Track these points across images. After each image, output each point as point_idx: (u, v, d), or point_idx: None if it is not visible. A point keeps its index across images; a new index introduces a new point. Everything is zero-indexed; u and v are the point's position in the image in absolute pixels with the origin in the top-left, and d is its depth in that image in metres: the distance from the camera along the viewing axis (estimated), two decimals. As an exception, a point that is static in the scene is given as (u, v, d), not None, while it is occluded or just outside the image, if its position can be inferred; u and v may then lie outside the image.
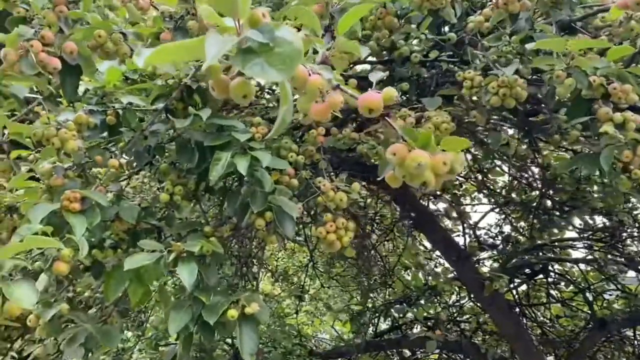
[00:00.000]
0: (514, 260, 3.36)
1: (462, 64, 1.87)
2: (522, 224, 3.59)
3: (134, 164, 1.74)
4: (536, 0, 1.51)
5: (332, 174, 2.37)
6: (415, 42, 1.86)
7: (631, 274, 3.39)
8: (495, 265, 3.93)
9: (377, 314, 4.14)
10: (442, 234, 3.23)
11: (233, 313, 1.40)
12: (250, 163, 1.47)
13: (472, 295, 3.62)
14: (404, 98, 2.07)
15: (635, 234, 3.10)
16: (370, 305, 4.31)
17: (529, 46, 1.41)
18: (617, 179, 1.53)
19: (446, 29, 2.13)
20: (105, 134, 1.60)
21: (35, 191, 1.52)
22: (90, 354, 1.67)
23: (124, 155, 1.61)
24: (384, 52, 1.91)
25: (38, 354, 1.72)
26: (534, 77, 1.77)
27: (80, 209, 1.36)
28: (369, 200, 3.75)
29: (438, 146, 0.73)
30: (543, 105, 2.04)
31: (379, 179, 0.78)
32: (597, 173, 1.55)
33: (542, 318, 3.83)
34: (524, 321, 3.64)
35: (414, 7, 1.62)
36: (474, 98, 1.69)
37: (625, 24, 1.60)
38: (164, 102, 1.59)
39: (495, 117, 2.01)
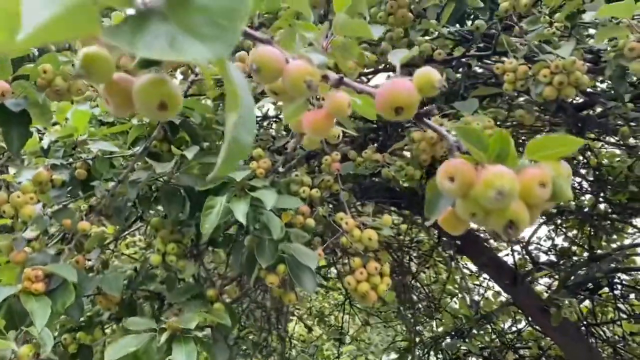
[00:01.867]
0: (572, 277, 2.97)
1: (496, 56, 1.56)
2: (576, 232, 3.21)
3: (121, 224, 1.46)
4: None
5: (357, 204, 2.06)
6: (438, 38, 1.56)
7: None
8: (550, 281, 3.54)
9: (426, 349, 3.76)
10: (489, 255, 2.87)
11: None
12: (251, 207, 1.18)
13: (529, 319, 3.23)
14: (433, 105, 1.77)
15: None
16: (417, 340, 3.93)
17: (588, 16, 1.10)
18: None
19: (468, 23, 1.84)
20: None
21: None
22: None
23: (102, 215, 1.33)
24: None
25: None
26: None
27: (45, 289, 1.08)
28: (402, 226, 3.41)
29: (521, 155, 0.43)
30: (596, 94, 1.71)
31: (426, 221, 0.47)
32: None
33: (613, 336, 3.39)
34: (593, 342, 3.22)
35: (432, -8, 1.33)
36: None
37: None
38: (143, 145, 1.32)
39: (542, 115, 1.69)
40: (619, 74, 1.20)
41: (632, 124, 1.44)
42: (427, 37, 1.58)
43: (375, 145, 1.85)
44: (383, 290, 1.22)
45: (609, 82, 1.32)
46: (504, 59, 1.40)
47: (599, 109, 1.78)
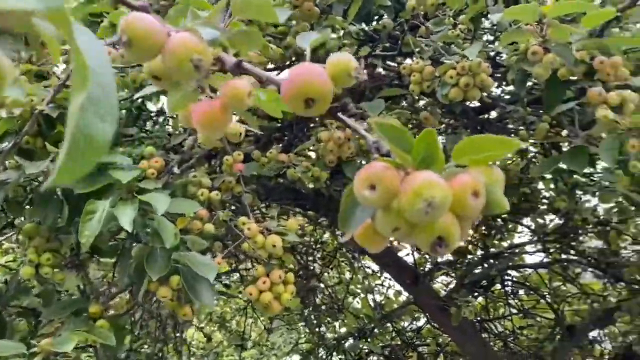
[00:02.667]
0: (468, 275, 3.08)
1: (401, 57, 1.54)
2: (471, 232, 3.34)
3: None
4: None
5: (262, 206, 1.98)
6: (344, 35, 1.51)
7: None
8: (448, 279, 3.66)
9: (329, 351, 3.74)
10: (391, 255, 2.89)
11: None
12: (140, 212, 1.05)
13: (429, 318, 3.31)
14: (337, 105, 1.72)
15: (590, 230, 2.89)
16: (320, 342, 3.90)
17: (493, 18, 1.09)
18: (612, 176, 1.23)
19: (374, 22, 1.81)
20: None
21: None
22: None
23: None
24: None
25: None
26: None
27: None
28: (308, 228, 3.37)
29: (447, 159, 0.36)
30: (494, 98, 1.75)
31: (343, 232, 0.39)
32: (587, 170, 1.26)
33: (504, 331, 3.56)
34: (486, 336, 3.37)
35: (339, -13, 1.27)
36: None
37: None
38: (12, 141, 1.15)
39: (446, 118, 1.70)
40: (520, 77, 1.21)
41: (531, 127, 1.47)
42: (333, 35, 1.53)
43: (281, 145, 1.77)
44: (287, 300, 1.15)
45: (511, 86, 1.33)
46: (408, 60, 1.38)
47: (495, 113, 1.83)
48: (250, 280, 1.16)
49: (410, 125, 1.62)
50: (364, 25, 1.69)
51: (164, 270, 1.06)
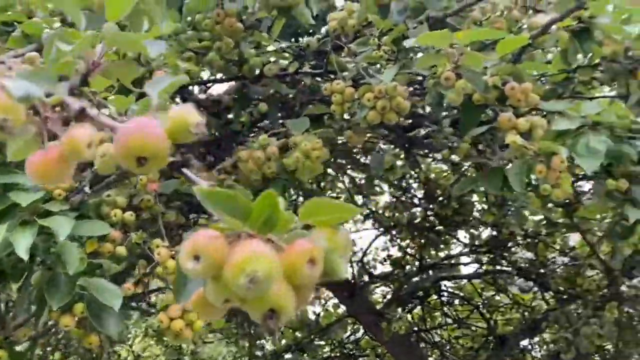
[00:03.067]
0: (405, 286, 3.12)
1: (327, 75, 1.54)
2: (408, 242, 3.38)
3: None
4: (408, -13, 1.21)
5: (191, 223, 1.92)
6: (270, 52, 1.49)
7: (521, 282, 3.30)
8: (386, 289, 3.69)
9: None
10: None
11: None
12: (41, 235, 1.00)
13: (365, 330, 3.33)
14: (266, 122, 1.71)
15: (520, 242, 2.99)
16: (259, 354, 3.86)
17: (407, 43, 1.10)
18: (524, 198, 1.26)
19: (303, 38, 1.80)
20: None
21: None
22: None
23: None
24: (232, 66, 1.51)
25: None
26: (410, 86, 1.49)
27: None
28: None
29: (296, 219, 0.35)
30: (422, 116, 1.77)
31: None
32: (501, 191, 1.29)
33: (440, 340, 3.62)
34: (423, 346, 3.41)
35: (261, 5, 1.25)
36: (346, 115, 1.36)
37: (508, 14, 1.36)
38: None
39: (371, 135, 1.70)
40: (437, 100, 1.23)
41: (454, 145, 1.50)
42: (259, 50, 1.51)
43: (205, 161, 1.73)
44: (199, 327, 1.11)
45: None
46: (334, 79, 1.38)
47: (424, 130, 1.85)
48: (161, 306, 1.12)
49: (336, 143, 1.62)
50: (293, 40, 1.68)
51: (67, 298, 1.01)
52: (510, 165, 1.25)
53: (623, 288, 2.64)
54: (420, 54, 1.42)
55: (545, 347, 3.28)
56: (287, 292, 0.31)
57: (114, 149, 0.34)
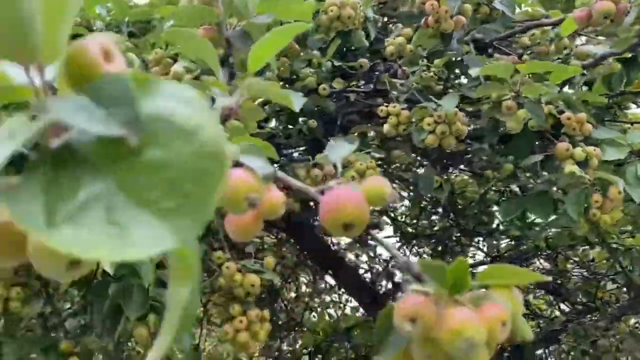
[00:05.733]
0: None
1: (375, 94, 1.58)
2: (428, 250, 3.42)
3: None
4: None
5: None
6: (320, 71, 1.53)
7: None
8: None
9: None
10: (352, 274, 2.94)
11: None
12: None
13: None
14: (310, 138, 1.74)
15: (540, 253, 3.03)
16: (277, 355, 3.91)
17: (473, 72, 1.14)
18: (569, 221, 1.30)
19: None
20: None
21: None
22: None
23: None
24: (282, 83, 1.56)
25: None
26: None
27: None
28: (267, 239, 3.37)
29: (473, 280, 0.39)
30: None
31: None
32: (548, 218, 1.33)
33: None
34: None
35: (322, 29, 1.30)
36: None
37: (557, 41, 1.40)
38: None
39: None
40: (492, 126, 1.27)
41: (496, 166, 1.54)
42: (310, 69, 1.55)
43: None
44: (263, 338, 1.16)
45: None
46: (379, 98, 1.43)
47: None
48: (225, 318, 1.16)
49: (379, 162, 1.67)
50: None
51: (143, 309, 1.05)
52: (555, 189, 1.30)
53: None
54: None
55: (560, 356, 3.32)
56: (485, 353, 0.36)
57: (321, 216, 0.38)
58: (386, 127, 1.34)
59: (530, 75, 1.23)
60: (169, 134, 0.20)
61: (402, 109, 1.32)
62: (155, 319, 1.07)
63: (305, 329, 3.64)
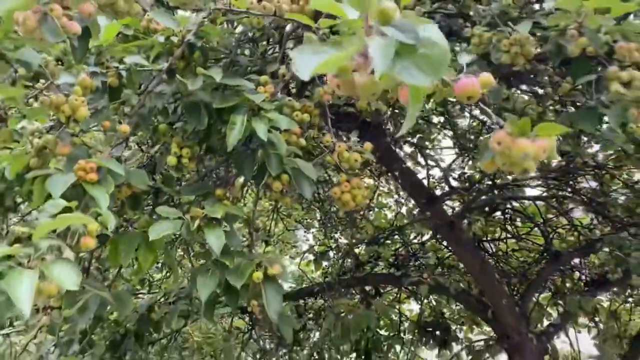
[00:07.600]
0: (475, 201, 3.51)
1: (459, 16, 1.87)
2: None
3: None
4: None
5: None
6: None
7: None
8: (452, 203, 4.11)
9: (341, 254, 4.26)
10: (411, 177, 3.32)
11: (258, 275, 1.41)
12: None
13: (436, 233, 3.79)
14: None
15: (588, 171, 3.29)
16: (334, 246, 4.42)
17: (547, 6, 1.43)
18: (612, 134, 1.61)
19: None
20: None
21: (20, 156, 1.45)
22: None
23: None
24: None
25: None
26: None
27: (97, 179, 1.30)
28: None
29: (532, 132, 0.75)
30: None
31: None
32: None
33: (497, 251, 4.06)
34: (482, 254, 3.86)
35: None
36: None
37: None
38: (165, 61, 1.51)
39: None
40: (556, 50, 1.56)
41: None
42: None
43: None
44: (360, 200, 1.56)
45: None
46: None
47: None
48: (335, 183, 1.57)
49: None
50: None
51: (280, 169, 1.47)
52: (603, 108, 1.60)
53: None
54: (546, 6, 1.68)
55: (593, 267, 3.66)
56: (533, 163, 0.73)
57: (455, 92, 0.74)
58: (471, 46, 1.65)
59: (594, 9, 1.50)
60: (430, 45, 0.57)
61: (485, 31, 1.62)
62: (287, 177, 1.49)
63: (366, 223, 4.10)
